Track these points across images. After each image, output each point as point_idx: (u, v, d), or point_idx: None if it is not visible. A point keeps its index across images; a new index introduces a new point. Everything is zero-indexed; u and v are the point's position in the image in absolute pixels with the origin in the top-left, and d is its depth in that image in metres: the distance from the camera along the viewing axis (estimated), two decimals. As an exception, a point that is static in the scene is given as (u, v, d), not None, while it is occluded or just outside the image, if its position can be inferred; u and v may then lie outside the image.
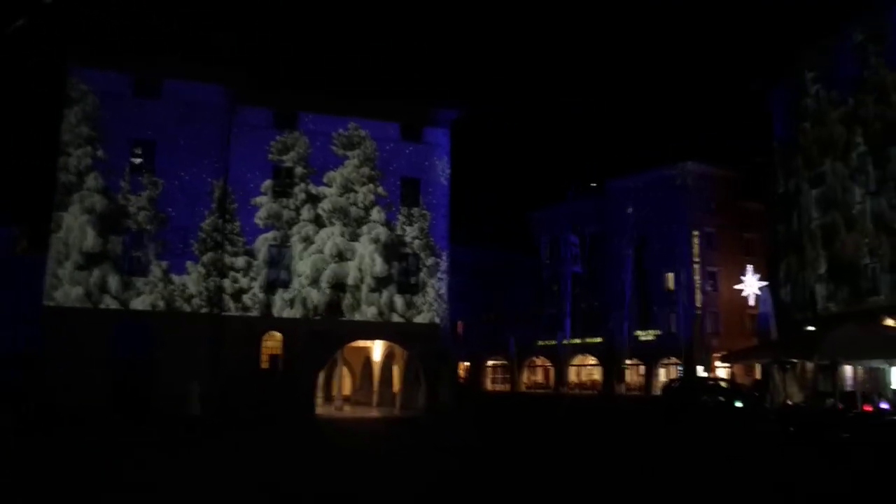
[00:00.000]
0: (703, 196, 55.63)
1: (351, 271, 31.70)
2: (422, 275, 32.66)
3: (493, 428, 26.55)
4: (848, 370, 27.10)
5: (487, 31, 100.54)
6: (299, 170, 31.67)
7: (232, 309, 30.25)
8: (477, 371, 70.42)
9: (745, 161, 55.07)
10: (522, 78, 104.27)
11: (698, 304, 52.25)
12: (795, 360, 26.75)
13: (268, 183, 31.32)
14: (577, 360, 63.10)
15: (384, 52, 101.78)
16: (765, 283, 39.51)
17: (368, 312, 31.71)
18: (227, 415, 26.54)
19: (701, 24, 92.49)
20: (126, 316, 28.30)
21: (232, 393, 28.44)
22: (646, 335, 56.25)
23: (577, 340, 52.61)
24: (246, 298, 30.51)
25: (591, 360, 63.42)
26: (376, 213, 32.24)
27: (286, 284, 31.10)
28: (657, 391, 50.59)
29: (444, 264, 33.06)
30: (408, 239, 32.59)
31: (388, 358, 35.27)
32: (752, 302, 46.70)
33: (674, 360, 53.43)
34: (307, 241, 31.45)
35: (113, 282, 28.47)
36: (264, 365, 30.58)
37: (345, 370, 37.46)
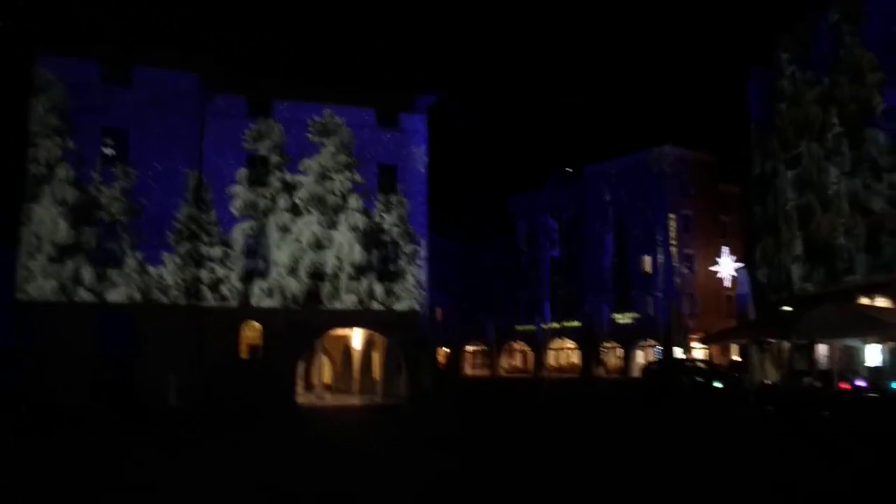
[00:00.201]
0: (680, 180, 55.98)
1: (329, 260, 31.44)
2: (401, 262, 32.48)
3: (475, 414, 26.60)
4: (822, 349, 27.43)
5: (462, 16, 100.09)
6: (275, 158, 31.27)
7: (210, 299, 29.92)
8: (456, 357, 70.66)
9: (721, 144, 55.52)
10: (499, 64, 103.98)
11: (676, 285, 52.67)
12: (773, 340, 27.05)
13: (243, 172, 30.90)
14: (556, 344, 63.51)
15: (359, 39, 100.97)
16: (741, 265, 39.94)
17: (348, 301, 31.51)
18: (209, 405, 26.29)
19: (677, 6, 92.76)
20: (104, 309, 27.85)
21: (214, 384, 28.19)
22: (623, 318, 56.65)
23: (556, 325, 52.80)
24: (224, 289, 30.18)
25: (570, 344, 63.86)
26: (354, 201, 31.97)
27: (264, 274, 30.81)
28: (636, 373, 51.09)
29: (423, 251, 32.90)
30: (386, 226, 32.37)
31: (368, 345, 35.18)
32: (727, 283, 47.25)
33: (651, 342, 53.91)
34: (284, 229, 31.13)
35: (87, 274, 27.98)
36: (244, 355, 30.37)
37: (325, 359, 37.31)
